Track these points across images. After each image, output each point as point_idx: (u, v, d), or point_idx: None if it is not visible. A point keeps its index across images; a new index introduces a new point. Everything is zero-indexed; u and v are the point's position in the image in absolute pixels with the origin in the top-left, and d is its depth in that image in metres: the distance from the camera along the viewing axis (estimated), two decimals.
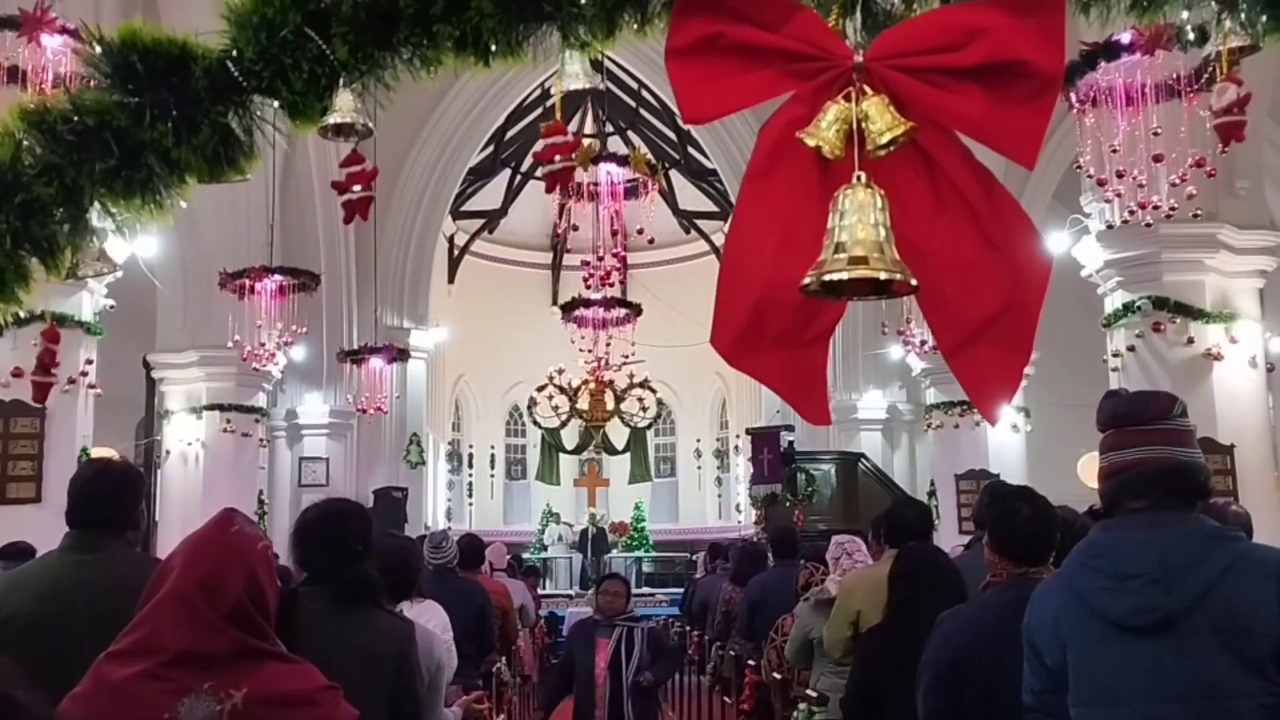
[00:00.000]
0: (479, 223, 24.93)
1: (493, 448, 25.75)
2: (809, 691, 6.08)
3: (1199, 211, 8.04)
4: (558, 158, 2.98)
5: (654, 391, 20.07)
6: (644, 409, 19.93)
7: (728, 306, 2.20)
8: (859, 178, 1.97)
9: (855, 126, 1.96)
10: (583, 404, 19.10)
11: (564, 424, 20.34)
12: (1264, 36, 2.05)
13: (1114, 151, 7.50)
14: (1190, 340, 9.81)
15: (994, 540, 3.57)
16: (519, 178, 24.08)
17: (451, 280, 24.30)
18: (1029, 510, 3.55)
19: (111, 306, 10.45)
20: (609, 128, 22.62)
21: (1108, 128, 7.65)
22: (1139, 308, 9.94)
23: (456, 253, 24.68)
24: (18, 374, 9.36)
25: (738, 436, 22.77)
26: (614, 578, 7.26)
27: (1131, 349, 10.01)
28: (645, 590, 22.00)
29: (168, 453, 14.09)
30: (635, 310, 15.15)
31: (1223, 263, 9.99)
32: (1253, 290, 10.21)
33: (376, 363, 15.30)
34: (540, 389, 19.75)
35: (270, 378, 14.36)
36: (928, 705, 3.47)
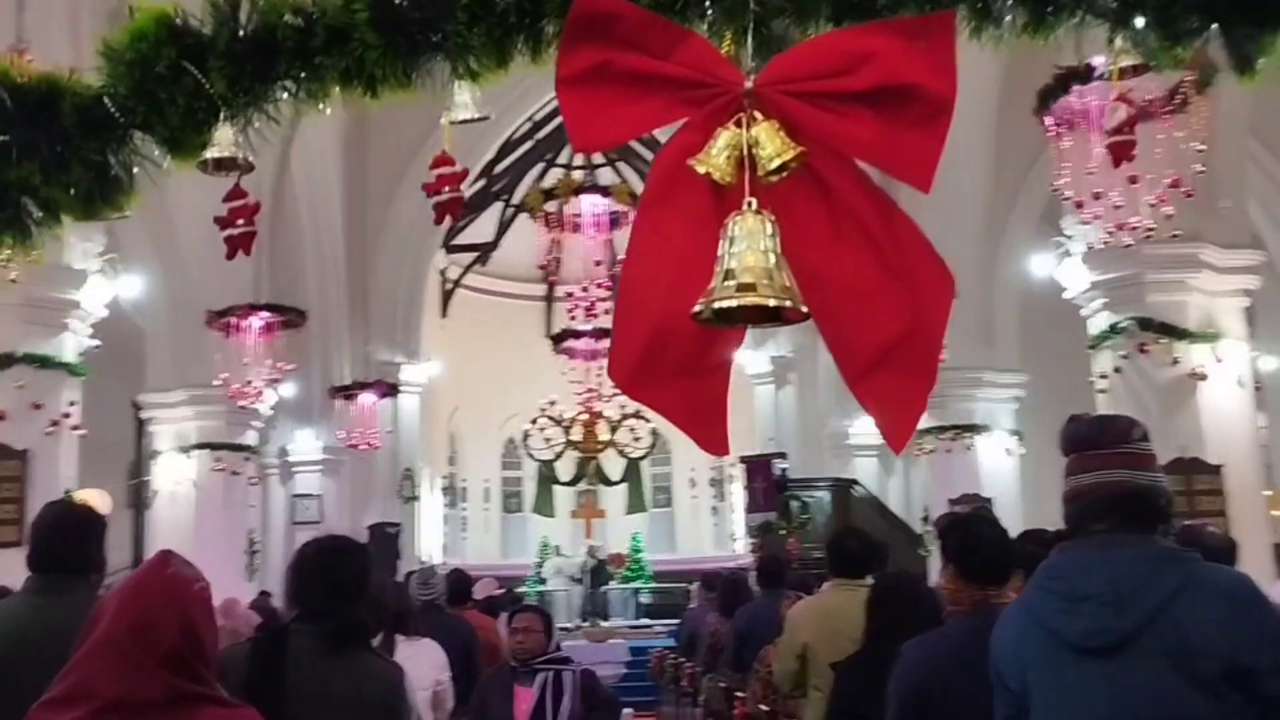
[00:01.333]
0: (471, 256, 24.96)
1: (486, 481, 25.67)
2: None
3: (1178, 232, 8.05)
4: (446, 189, 2.91)
5: (647, 421, 20.03)
6: (636, 439, 19.88)
7: (625, 337, 2.19)
8: (749, 204, 1.96)
9: (746, 152, 1.96)
10: (576, 435, 19.08)
11: (558, 456, 20.31)
12: (1157, 55, 2.06)
13: (1090, 174, 7.51)
14: (1176, 361, 9.79)
15: (958, 564, 3.57)
16: (510, 211, 24.13)
17: (445, 314, 24.31)
18: (990, 532, 3.62)
19: (95, 347, 10.44)
20: (599, 159, 22.69)
21: (1084, 150, 7.66)
22: (1124, 329, 9.93)
23: (449, 286, 24.70)
24: (0, 416, 9.35)
25: (732, 465, 22.72)
26: (527, 610, 5.77)
27: (1118, 370, 9.98)
28: (644, 621, 21.94)
29: (156, 493, 14.03)
30: None
31: (1206, 282, 9.97)
32: (1238, 309, 10.19)
33: (367, 398, 15.33)
34: (533, 421, 19.73)
35: (259, 415, 14.32)
36: None
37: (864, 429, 17.93)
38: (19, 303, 9.54)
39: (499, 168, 22.41)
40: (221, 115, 2.17)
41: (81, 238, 10.08)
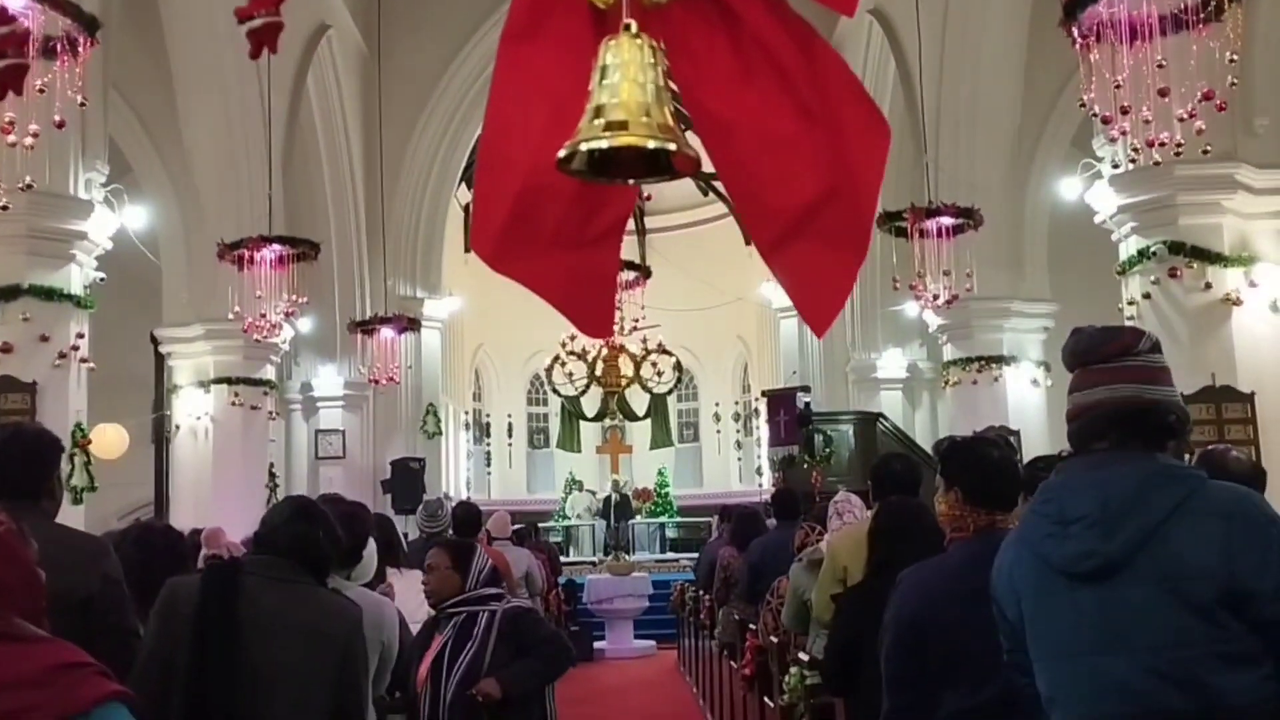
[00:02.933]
0: None
1: (509, 416, 25.58)
2: (801, 655, 5.88)
3: (1209, 147, 7.66)
4: (260, 13, 2.54)
5: (670, 355, 19.83)
6: (659, 374, 19.70)
7: (488, 200, 1.90)
8: (627, 26, 1.63)
9: None
10: (599, 371, 18.92)
11: (582, 392, 20.16)
12: None
13: (1118, 88, 7.16)
14: (1208, 285, 9.45)
15: (965, 487, 3.34)
16: None
17: (469, 249, 24.06)
18: (999, 453, 3.39)
19: (101, 279, 10.29)
20: None
21: (1113, 63, 7.30)
22: (1154, 253, 9.57)
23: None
24: (6, 349, 9.23)
25: (758, 400, 22.57)
26: (437, 547, 4.83)
27: (1148, 296, 9.65)
28: (670, 555, 21.98)
29: (177, 427, 13.99)
30: (644, 273, 14.91)
31: (1241, 204, 9.59)
32: (1273, 232, 9.77)
33: (387, 333, 15.17)
34: (555, 357, 19.57)
35: (277, 350, 14.21)
36: (889, 669, 3.27)
37: (890, 362, 17.68)
38: (23, 234, 9.39)
39: None
40: None
41: (85, 167, 9.90)
